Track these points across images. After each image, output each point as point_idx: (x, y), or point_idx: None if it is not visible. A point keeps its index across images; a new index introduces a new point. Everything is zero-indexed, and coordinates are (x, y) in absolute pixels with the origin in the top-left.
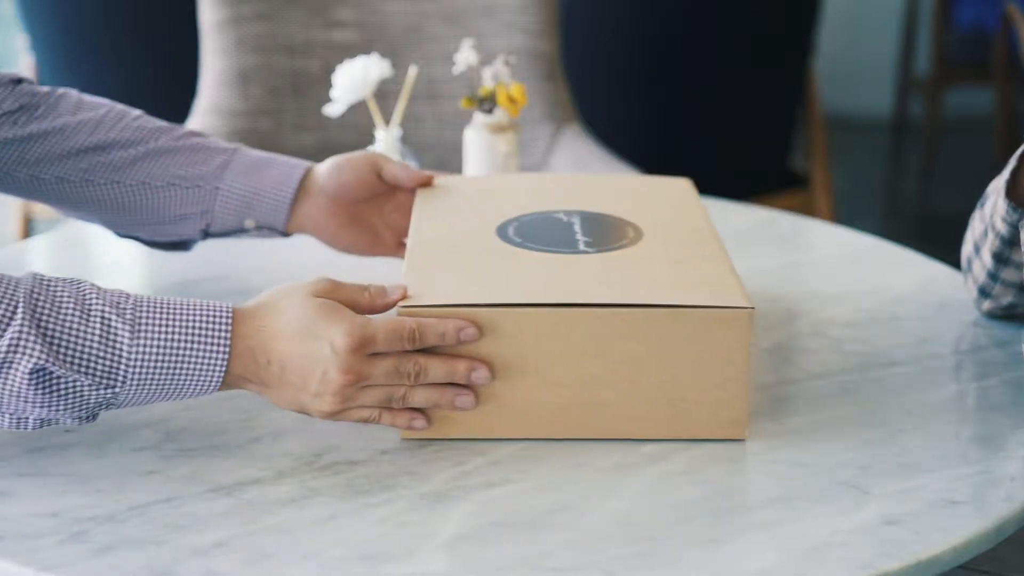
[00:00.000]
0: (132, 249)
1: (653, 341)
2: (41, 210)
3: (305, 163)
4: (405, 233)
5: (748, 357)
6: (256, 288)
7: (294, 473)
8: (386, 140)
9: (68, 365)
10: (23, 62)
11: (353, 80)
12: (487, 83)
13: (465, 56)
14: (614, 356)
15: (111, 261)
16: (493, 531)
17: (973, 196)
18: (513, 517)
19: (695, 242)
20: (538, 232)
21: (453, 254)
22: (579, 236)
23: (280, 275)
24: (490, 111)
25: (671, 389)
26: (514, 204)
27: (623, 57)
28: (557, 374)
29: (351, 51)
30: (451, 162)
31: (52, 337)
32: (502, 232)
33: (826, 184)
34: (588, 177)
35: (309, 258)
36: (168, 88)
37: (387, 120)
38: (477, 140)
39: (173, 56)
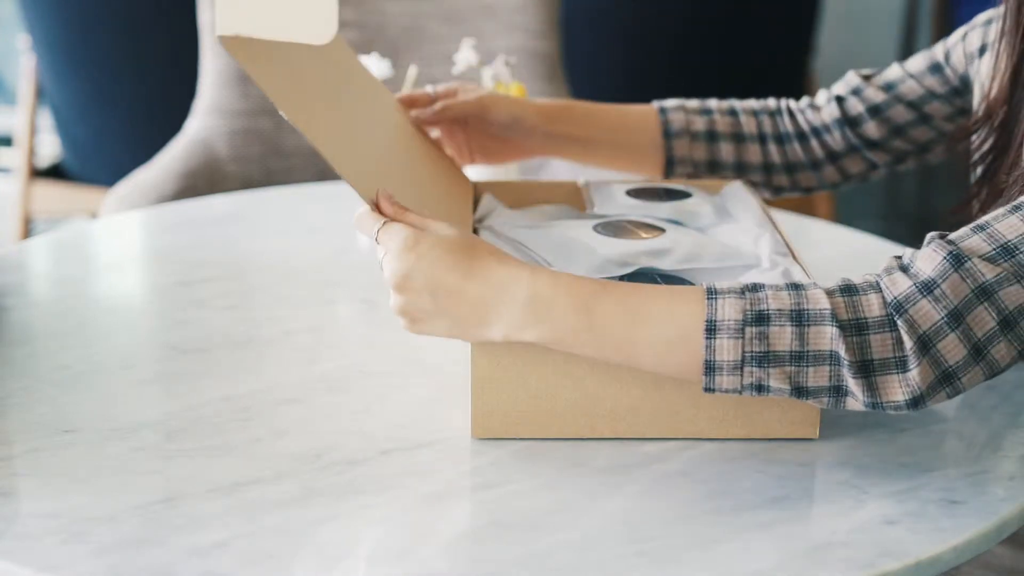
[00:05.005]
0: (131, 251)
1: None
2: (41, 210)
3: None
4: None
5: None
6: (255, 288)
7: (294, 473)
8: None
9: None
10: (24, 62)
11: None
12: (487, 83)
13: (465, 56)
14: None
15: (110, 262)
16: (493, 531)
17: None
18: (513, 517)
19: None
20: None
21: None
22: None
23: (279, 276)
24: None
25: None
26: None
27: (623, 57)
28: (632, 376)
29: None
30: None
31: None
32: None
33: None
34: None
35: (308, 259)
36: (168, 88)
37: None
38: None
39: (173, 56)
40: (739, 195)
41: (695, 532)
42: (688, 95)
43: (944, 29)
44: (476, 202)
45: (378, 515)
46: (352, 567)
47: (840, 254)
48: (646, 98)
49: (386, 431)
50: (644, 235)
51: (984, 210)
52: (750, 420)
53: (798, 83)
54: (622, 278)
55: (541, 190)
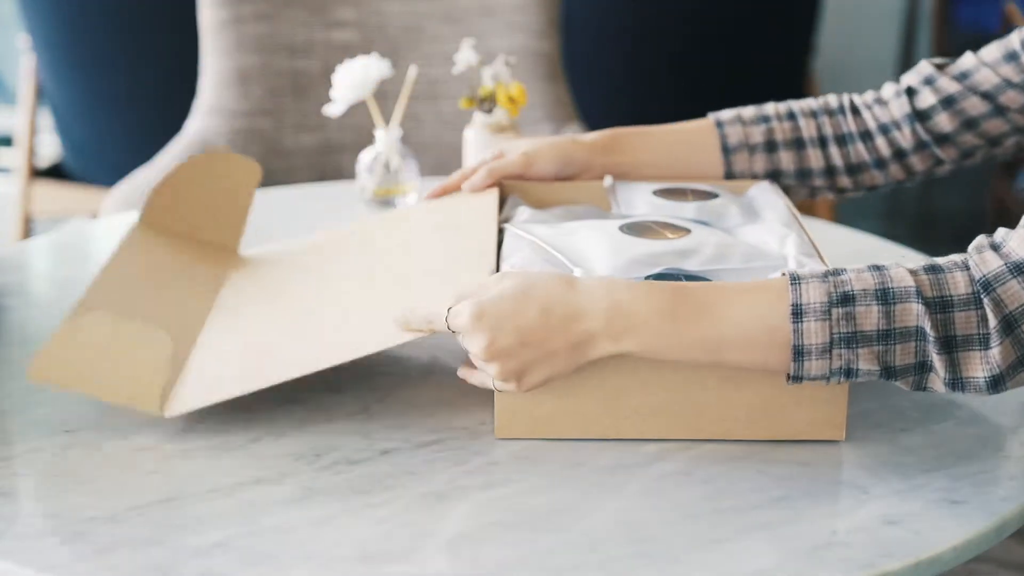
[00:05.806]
0: None
1: None
2: (41, 210)
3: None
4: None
5: None
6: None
7: (294, 473)
8: (386, 140)
9: None
10: (23, 62)
11: (353, 80)
12: (487, 83)
13: (465, 56)
14: None
15: None
16: (493, 531)
17: (973, 196)
18: (513, 517)
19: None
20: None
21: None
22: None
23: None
24: (490, 111)
25: (771, 390)
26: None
27: (623, 57)
28: (656, 376)
29: (351, 51)
30: (451, 162)
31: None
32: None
33: None
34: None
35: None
36: (168, 88)
37: (387, 120)
38: (477, 140)
39: (173, 56)
40: (765, 195)
41: (695, 532)
42: (688, 95)
43: (944, 29)
44: (503, 203)
45: (378, 515)
46: (352, 567)
47: (840, 254)
48: (645, 98)
49: (386, 431)
50: (670, 235)
51: None
52: (776, 421)
53: (798, 83)
54: (648, 279)
55: (566, 190)
